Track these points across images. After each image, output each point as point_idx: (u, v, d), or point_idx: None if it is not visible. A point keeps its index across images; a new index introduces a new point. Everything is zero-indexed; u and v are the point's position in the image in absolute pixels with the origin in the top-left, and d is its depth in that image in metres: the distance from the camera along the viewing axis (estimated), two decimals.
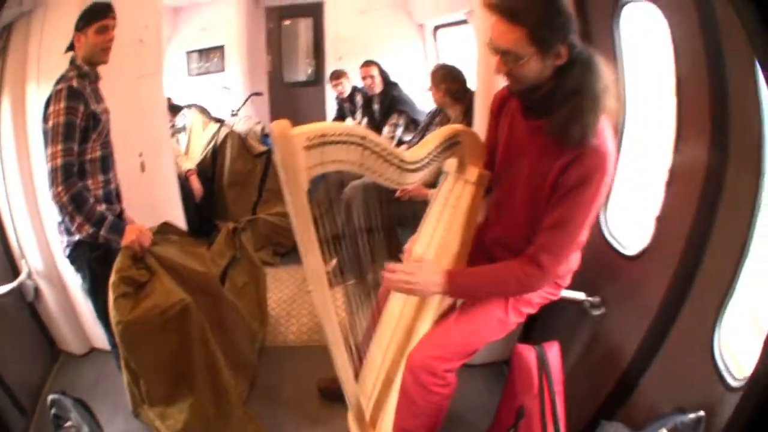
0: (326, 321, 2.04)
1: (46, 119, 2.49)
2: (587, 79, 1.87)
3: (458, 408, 2.59)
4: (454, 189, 2.49)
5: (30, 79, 2.90)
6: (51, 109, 2.47)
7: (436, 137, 2.27)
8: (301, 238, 1.85)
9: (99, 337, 3.34)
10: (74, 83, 2.51)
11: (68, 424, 2.37)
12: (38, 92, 2.82)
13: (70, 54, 2.60)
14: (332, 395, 3.02)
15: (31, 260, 3.16)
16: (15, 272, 3.13)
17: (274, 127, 1.71)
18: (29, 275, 3.14)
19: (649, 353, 2.30)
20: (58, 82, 2.51)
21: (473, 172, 2.42)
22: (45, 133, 2.49)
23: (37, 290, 3.21)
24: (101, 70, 2.68)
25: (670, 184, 2.30)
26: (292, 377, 3.34)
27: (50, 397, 2.40)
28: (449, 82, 3.81)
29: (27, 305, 3.21)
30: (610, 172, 1.93)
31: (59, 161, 2.43)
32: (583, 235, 2.05)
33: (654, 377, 2.29)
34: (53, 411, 2.39)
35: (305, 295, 4.18)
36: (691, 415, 1.89)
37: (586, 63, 1.88)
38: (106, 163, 2.72)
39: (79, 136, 2.51)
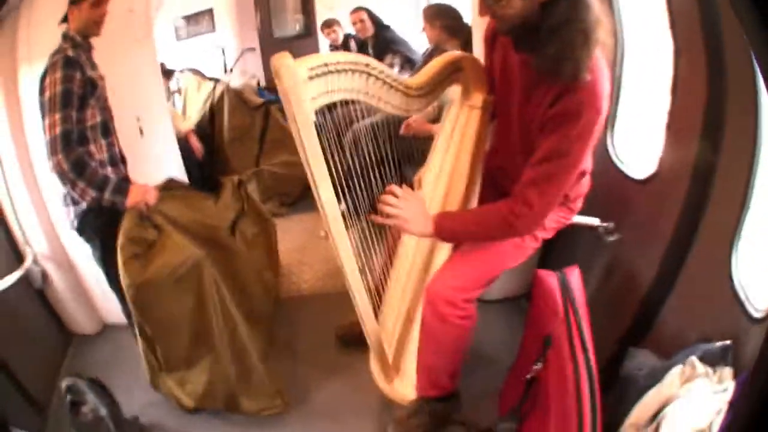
0: (344, 255, 2.03)
1: (42, 91, 2.47)
2: (576, 12, 1.79)
3: (479, 345, 2.60)
4: (459, 115, 2.46)
5: (21, 59, 2.87)
6: (48, 80, 2.45)
7: (437, 63, 2.25)
8: (313, 171, 1.85)
9: (111, 312, 3.33)
10: (69, 52, 2.49)
11: (85, 408, 2.41)
12: (31, 70, 2.79)
13: (62, 28, 2.58)
14: (351, 342, 3.02)
15: (35, 244, 3.12)
16: (19, 260, 3.07)
17: (275, 60, 1.68)
18: (35, 260, 3.10)
19: (668, 280, 2.27)
20: (53, 55, 2.50)
21: (478, 97, 2.39)
22: (42, 105, 2.47)
23: (44, 275, 3.17)
24: (93, 41, 2.67)
25: (673, 107, 2.27)
26: (308, 328, 3.33)
27: (64, 383, 2.44)
28: (444, 18, 3.73)
29: (35, 293, 3.17)
30: (602, 111, 1.88)
31: (58, 129, 2.41)
32: (574, 174, 2.01)
33: (674, 306, 2.26)
34: (69, 397, 2.41)
35: (316, 242, 4.17)
36: (718, 344, 1.88)
37: None
38: (107, 127, 2.69)
39: (78, 103, 2.49)
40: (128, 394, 2.73)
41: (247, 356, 2.73)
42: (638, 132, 2.77)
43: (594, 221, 2.56)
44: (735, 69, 1.87)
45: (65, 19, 2.57)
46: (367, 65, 1.89)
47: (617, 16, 2.58)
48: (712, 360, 1.86)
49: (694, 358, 1.87)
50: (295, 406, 2.78)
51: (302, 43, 6.49)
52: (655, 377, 1.96)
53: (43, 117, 2.45)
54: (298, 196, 4.79)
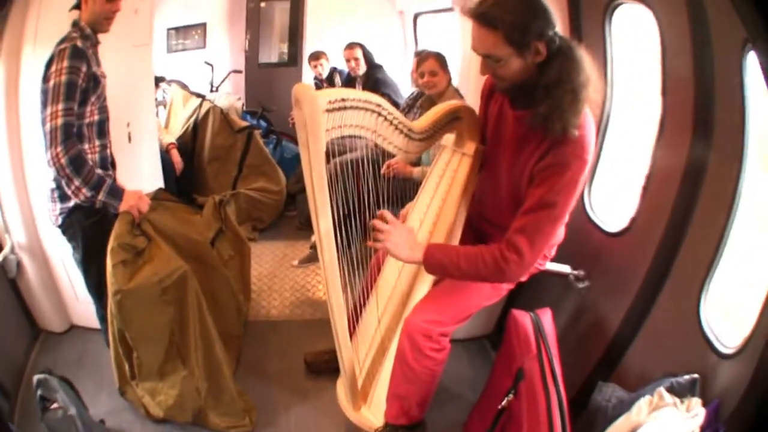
0: (331, 285, 2.09)
1: (46, 79, 2.41)
2: (567, 73, 1.94)
3: (445, 382, 2.65)
4: (451, 161, 2.57)
5: (26, 42, 2.85)
6: (53, 68, 2.40)
7: (439, 110, 2.35)
8: (316, 199, 1.90)
9: (80, 314, 3.34)
10: (78, 43, 2.45)
11: (54, 405, 2.37)
12: (33, 56, 2.78)
13: (73, 15, 2.55)
14: (319, 369, 3.11)
15: (14, 233, 3.10)
16: None
17: (300, 89, 1.76)
18: (12, 249, 3.09)
19: (635, 323, 2.42)
20: (61, 42, 2.45)
21: (470, 146, 2.51)
22: (44, 92, 2.41)
23: (19, 265, 3.15)
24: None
25: (653, 168, 2.44)
26: (277, 351, 3.37)
27: (36, 377, 2.40)
28: (447, 69, 3.80)
29: (8, 282, 3.14)
30: (588, 162, 2.01)
31: (59, 120, 2.37)
32: (561, 223, 2.13)
33: (641, 345, 2.41)
34: (39, 392, 2.38)
35: (286, 270, 4.25)
36: (686, 377, 2.00)
37: (566, 57, 1.95)
38: (103, 127, 2.67)
39: (80, 97, 2.45)
40: (93, 398, 2.73)
41: (220, 374, 2.75)
42: (614, 187, 2.94)
43: (565, 269, 2.69)
44: (720, 139, 2.04)
45: (77, 6, 2.54)
46: (378, 105, 1.99)
47: (609, 76, 2.76)
48: (679, 392, 1.99)
49: (661, 389, 2.00)
50: (262, 426, 2.81)
51: (286, 71, 6.55)
52: (623, 407, 2.08)
53: (45, 106, 2.39)
54: (271, 223, 4.92)
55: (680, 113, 2.22)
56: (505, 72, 2.00)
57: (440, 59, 3.76)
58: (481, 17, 1.93)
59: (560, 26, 1.94)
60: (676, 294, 2.26)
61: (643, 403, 2.01)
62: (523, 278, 2.34)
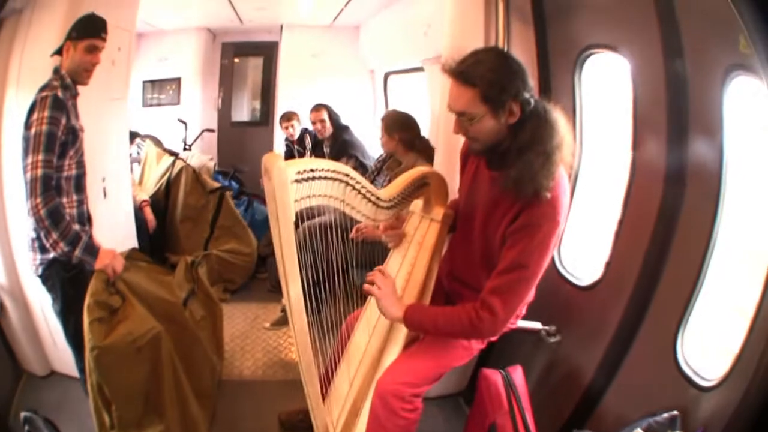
0: (302, 350, 2.10)
1: (28, 126, 2.46)
2: (539, 136, 2.01)
3: None
4: (419, 227, 2.64)
5: (9, 85, 2.89)
6: (35, 116, 2.44)
7: (408, 177, 2.42)
8: (286, 268, 1.92)
9: (60, 361, 3.32)
10: (59, 93, 2.50)
11: None
12: (16, 99, 2.83)
13: (55, 60, 2.61)
14: (293, 428, 3.10)
15: None
16: None
17: (268, 159, 1.79)
18: None
19: (609, 371, 2.47)
20: (42, 89, 2.50)
21: (438, 212, 2.59)
22: (26, 140, 2.45)
23: (2, 306, 3.15)
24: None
25: (623, 219, 2.51)
26: (251, 411, 3.36)
27: (23, 414, 2.41)
28: (402, 130, 3.92)
29: None
30: (560, 222, 2.05)
31: (39, 171, 2.40)
32: (534, 282, 2.15)
33: (617, 392, 2.45)
34: (26, 429, 2.38)
35: (258, 332, 4.26)
36: (665, 414, 2.02)
37: (539, 120, 2.03)
38: (80, 182, 2.71)
39: (59, 150, 2.49)
40: None
41: (195, 430, 2.78)
42: (585, 241, 3.00)
43: (536, 325, 2.74)
44: (695, 180, 2.12)
45: (59, 51, 2.59)
46: (347, 175, 2.04)
47: (578, 126, 2.85)
48: (658, 429, 2.00)
49: (638, 430, 2.01)
50: None
51: (257, 130, 6.62)
52: None
53: (26, 154, 2.43)
54: (242, 284, 4.92)
55: (653, 155, 2.30)
56: (478, 131, 2.07)
57: (387, 122, 3.95)
58: (460, 75, 2.01)
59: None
60: (652, 337, 2.31)
61: None
62: (494, 337, 2.38)
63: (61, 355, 3.20)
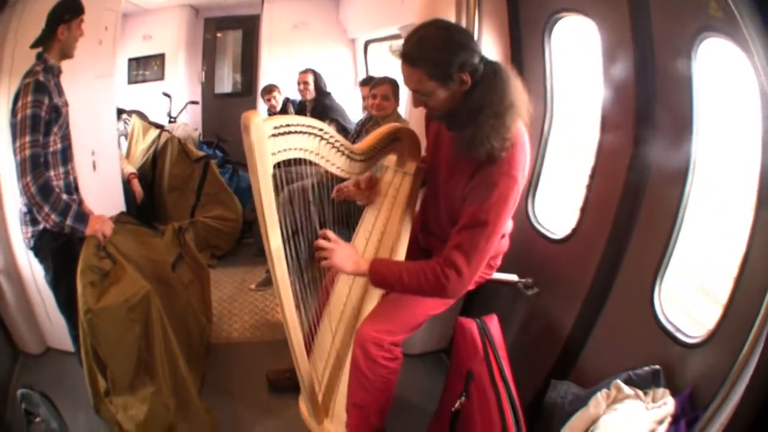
0: (285, 300, 2.17)
1: (14, 113, 2.57)
2: (489, 99, 2.07)
3: (402, 394, 2.76)
4: (393, 181, 2.73)
5: (3, 74, 2.96)
6: (19, 103, 2.56)
7: (380, 132, 2.50)
8: (265, 219, 2.00)
9: (55, 336, 3.41)
10: (40, 77, 2.59)
11: (38, 419, 2.46)
12: (8, 88, 2.86)
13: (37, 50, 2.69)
14: (281, 386, 3.21)
15: None
16: None
17: (246, 116, 1.86)
18: None
19: (587, 324, 2.54)
20: (25, 76, 2.60)
21: (411, 165, 2.69)
22: (13, 126, 2.57)
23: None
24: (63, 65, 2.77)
25: (596, 170, 2.57)
26: (239, 371, 3.45)
27: (20, 391, 2.50)
28: (398, 96, 4.03)
29: None
30: (517, 178, 2.11)
31: (27, 152, 2.52)
32: (496, 237, 2.19)
33: (596, 346, 2.52)
34: (24, 406, 2.48)
35: (245, 295, 4.37)
36: (646, 368, 2.07)
37: (488, 83, 2.08)
38: (66, 155, 2.80)
39: (44, 128, 2.59)
40: (71, 418, 2.77)
41: (186, 390, 2.85)
42: (558, 195, 3.09)
43: (513, 278, 2.81)
44: (665, 130, 2.17)
45: (42, 41, 2.69)
46: (321, 130, 2.12)
47: (549, 87, 2.91)
48: (639, 383, 2.06)
49: (618, 381, 2.07)
50: None
51: (240, 101, 6.63)
52: (579, 403, 2.16)
53: (14, 138, 2.55)
54: (228, 250, 5.03)
55: (622, 112, 2.36)
56: (434, 103, 2.15)
57: (395, 86, 3.97)
58: (405, 57, 2.08)
59: (498, 43, 2.07)
60: (628, 290, 2.37)
61: (600, 397, 2.07)
62: (471, 287, 2.40)
63: (56, 330, 3.29)
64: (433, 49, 2.04)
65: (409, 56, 2.07)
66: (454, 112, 2.16)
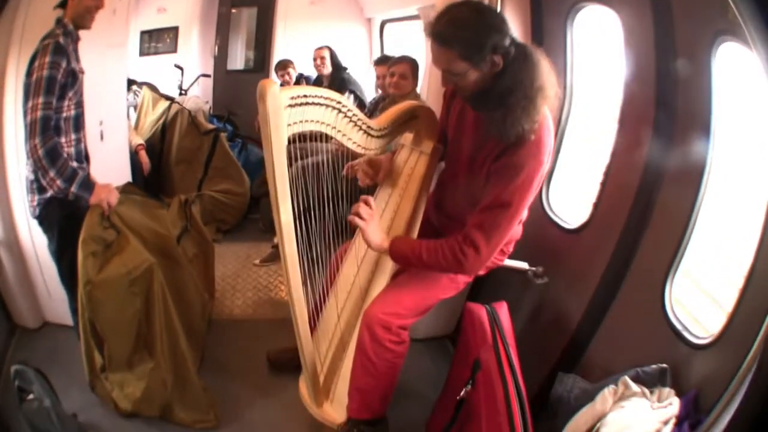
0: (291, 275, 2.13)
1: (29, 73, 2.51)
2: (520, 81, 2.03)
3: (406, 379, 2.70)
4: (409, 159, 2.68)
5: (13, 41, 2.90)
6: (36, 63, 2.50)
7: (397, 110, 2.44)
8: (276, 192, 1.95)
9: (53, 310, 3.36)
10: (60, 39, 2.55)
11: (31, 396, 2.41)
12: (19, 54, 2.84)
13: (58, 12, 2.64)
14: (282, 366, 3.16)
15: None
16: None
17: (263, 85, 1.80)
18: None
19: (596, 317, 2.50)
20: (45, 38, 2.55)
21: (428, 144, 2.62)
22: (26, 86, 2.51)
23: None
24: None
25: (612, 161, 2.53)
26: (240, 349, 3.41)
27: (13, 368, 2.45)
28: (416, 77, 3.94)
29: None
30: (543, 163, 2.09)
31: (38, 113, 2.47)
32: (517, 220, 2.21)
33: (604, 340, 2.48)
34: (17, 382, 2.43)
35: (249, 271, 4.31)
36: (653, 366, 2.04)
37: (520, 65, 2.04)
38: (78, 122, 2.76)
39: (58, 92, 2.55)
40: (65, 393, 2.73)
41: (185, 367, 2.81)
42: (573, 185, 3.04)
43: (524, 265, 2.76)
44: (684, 128, 2.13)
45: (62, 4, 2.64)
46: (339, 102, 2.06)
47: (569, 77, 2.86)
48: (646, 381, 2.03)
49: (626, 378, 2.04)
50: (227, 422, 2.85)
51: (253, 77, 6.53)
52: (585, 398, 2.13)
53: (27, 99, 2.50)
54: (234, 225, 4.95)
55: (641, 106, 2.31)
56: (465, 84, 2.09)
57: (414, 66, 3.89)
58: (437, 36, 2.02)
59: (520, 31, 2.02)
60: (638, 286, 2.34)
61: (607, 393, 2.04)
62: (481, 272, 2.42)
63: (55, 305, 3.25)
64: (465, 29, 1.99)
65: (441, 36, 2.02)
66: (484, 93, 2.11)
